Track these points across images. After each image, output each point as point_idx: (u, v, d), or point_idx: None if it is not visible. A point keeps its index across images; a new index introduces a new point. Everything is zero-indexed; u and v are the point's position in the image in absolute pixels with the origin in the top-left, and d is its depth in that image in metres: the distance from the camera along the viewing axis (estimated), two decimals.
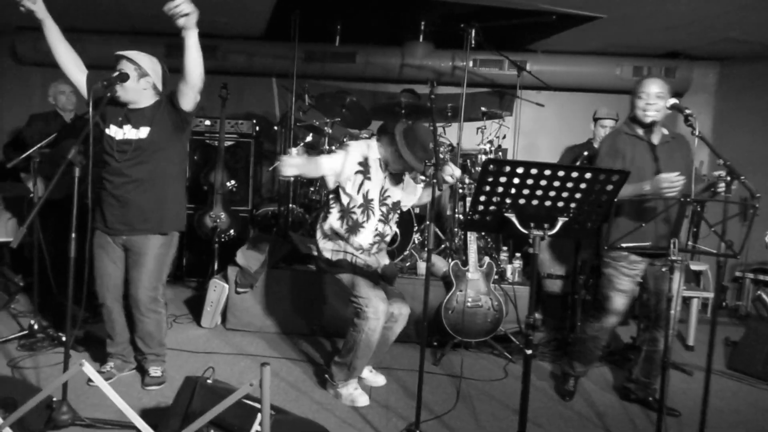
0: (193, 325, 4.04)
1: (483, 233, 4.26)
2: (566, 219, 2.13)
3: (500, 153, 5.08)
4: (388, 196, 3.06)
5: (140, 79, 2.79)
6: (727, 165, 2.40)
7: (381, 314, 2.87)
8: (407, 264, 4.23)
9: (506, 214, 2.12)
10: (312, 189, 4.73)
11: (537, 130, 5.99)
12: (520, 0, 4.28)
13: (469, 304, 3.72)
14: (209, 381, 2.21)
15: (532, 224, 2.13)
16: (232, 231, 4.79)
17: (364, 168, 2.94)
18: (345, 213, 2.96)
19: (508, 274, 4.12)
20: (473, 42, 4.59)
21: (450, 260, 3.97)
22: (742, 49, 5.30)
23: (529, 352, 2.15)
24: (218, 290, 3.98)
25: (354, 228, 2.97)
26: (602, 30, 4.91)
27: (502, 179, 2.03)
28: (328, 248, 3.02)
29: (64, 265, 3.69)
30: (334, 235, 3.00)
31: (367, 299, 2.86)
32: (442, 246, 4.49)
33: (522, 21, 4.55)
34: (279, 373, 3.26)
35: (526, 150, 5.84)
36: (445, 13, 4.78)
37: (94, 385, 2.63)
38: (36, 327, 3.39)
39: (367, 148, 2.99)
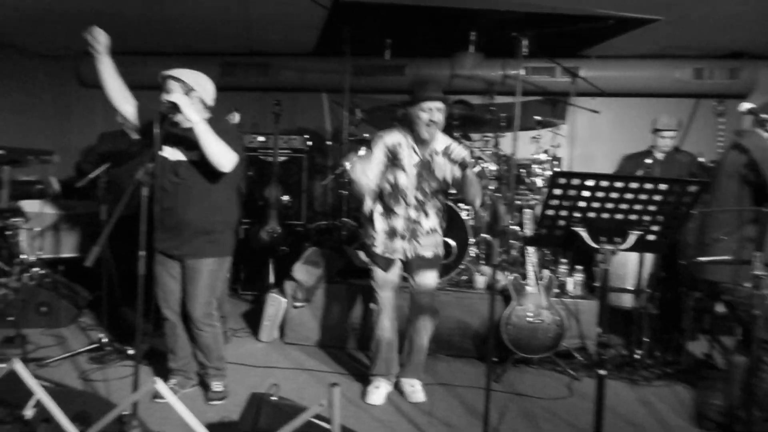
0: (251, 338, 4.09)
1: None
2: (640, 233, 2.04)
3: (555, 162, 4.96)
4: (425, 182, 3.05)
5: (188, 94, 2.80)
6: None
7: (384, 311, 3.12)
8: (463, 278, 4.17)
9: (575, 228, 2.05)
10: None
11: (592, 138, 5.83)
12: (574, 5, 4.18)
13: (529, 318, 3.62)
14: (274, 398, 2.22)
15: (602, 238, 2.05)
16: (286, 245, 4.85)
17: (393, 156, 3.04)
18: (382, 199, 3.12)
19: (569, 287, 4.00)
20: (525, 50, 4.52)
21: (508, 273, 3.89)
22: None
23: (603, 372, 2.06)
24: (275, 304, 4.02)
25: (387, 213, 3.10)
26: (659, 32, 4.74)
27: (571, 192, 1.96)
28: (371, 237, 3.15)
29: (130, 280, 3.81)
30: (371, 225, 3.14)
31: (376, 292, 3.13)
32: (499, 259, 4.40)
33: (577, 27, 4.44)
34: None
35: (582, 158, 5.69)
36: (496, 21, 4.72)
37: (161, 401, 2.74)
38: (105, 341, 3.50)
39: (401, 137, 3.08)
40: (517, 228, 4.40)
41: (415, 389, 3.19)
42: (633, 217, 2.02)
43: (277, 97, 5.14)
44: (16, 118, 5.91)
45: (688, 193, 1.96)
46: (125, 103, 2.82)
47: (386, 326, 3.17)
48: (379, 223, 3.13)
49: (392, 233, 3.10)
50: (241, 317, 4.58)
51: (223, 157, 2.68)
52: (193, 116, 2.62)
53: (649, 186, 1.94)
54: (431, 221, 3.13)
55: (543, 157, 4.55)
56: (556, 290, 3.79)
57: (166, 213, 2.86)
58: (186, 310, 2.97)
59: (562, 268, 4.22)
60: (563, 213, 2.02)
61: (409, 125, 3.05)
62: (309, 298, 3.97)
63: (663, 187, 1.94)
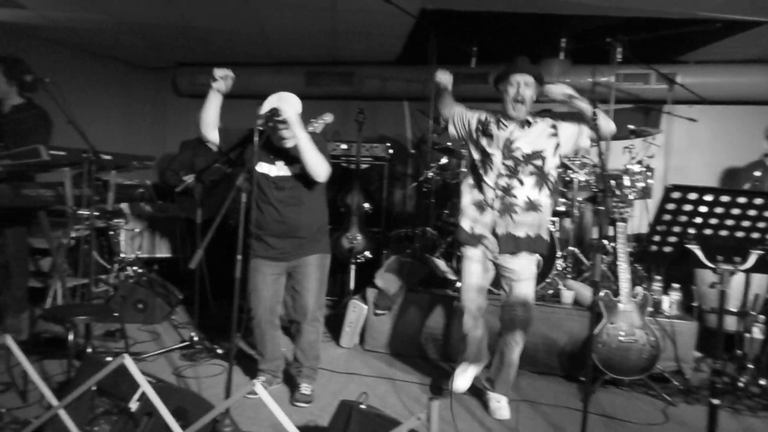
0: (332, 344, 4.13)
1: (633, 260, 3.94)
2: (762, 252, 1.88)
3: (649, 173, 4.71)
4: (517, 148, 2.91)
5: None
6: None
7: (469, 315, 3.05)
8: (549, 291, 4.02)
9: (688, 246, 1.91)
10: (446, 212, 4.69)
11: (689, 148, 5.49)
12: (675, 9, 3.96)
13: (621, 338, 3.43)
14: (363, 407, 2.21)
15: (719, 257, 1.91)
16: (367, 252, 4.88)
17: (483, 125, 3.00)
18: (468, 172, 3.09)
19: (665, 306, 3.77)
20: (618, 56, 4.33)
21: (597, 289, 3.71)
22: None
23: (717, 402, 1.91)
24: (357, 311, 4.05)
25: (476, 185, 3.02)
26: (766, 36, 4.41)
27: (686, 207, 1.84)
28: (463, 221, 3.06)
29: (219, 282, 3.95)
30: (462, 201, 3.07)
31: (461, 290, 3.06)
32: (586, 273, 4.23)
33: (678, 31, 4.21)
34: (420, 400, 3.21)
35: (677, 170, 5.37)
36: (588, 27, 4.56)
37: (252, 398, 2.82)
38: (196, 339, 3.64)
39: (485, 113, 3.06)
40: (606, 242, 4.22)
41: (501, 405, 3.10)
42: (755, 235, 1.86)
43: (360, 106, 5.20)
44: (117, 125, 6.32)
45: None
46: (213, 130, 3.00)
47: (470, 324, 3.08)
48: (467, 197, 3.05)
49: (481, 205, 2.98)
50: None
51: (321, 168, 2.84)
52: (300, 132, 2.76)
53: None
54: (526, 192, 2.91)
55: (636, 168, 4.33)
56: (651, 309, 3.58)
57: (271, 224, 3.00)
58: (297, 307, 3.12)
59: (657, 286, 3.98)
60: (676, 229, 1.89)
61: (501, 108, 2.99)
62: (390, 306, 3.96)
63: None
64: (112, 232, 4.32)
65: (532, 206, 2.92)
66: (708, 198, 1.81)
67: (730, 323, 3.68)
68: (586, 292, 3.84)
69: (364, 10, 4.41)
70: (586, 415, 2.33)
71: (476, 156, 3.03)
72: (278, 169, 2.99)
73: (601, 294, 3.54)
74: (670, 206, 1.85)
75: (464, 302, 3.06)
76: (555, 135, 2.96)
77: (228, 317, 3.73)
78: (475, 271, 3.02)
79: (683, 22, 4.14)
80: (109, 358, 2.30)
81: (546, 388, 3.52)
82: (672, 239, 1.94)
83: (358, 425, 2.14)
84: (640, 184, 4.43)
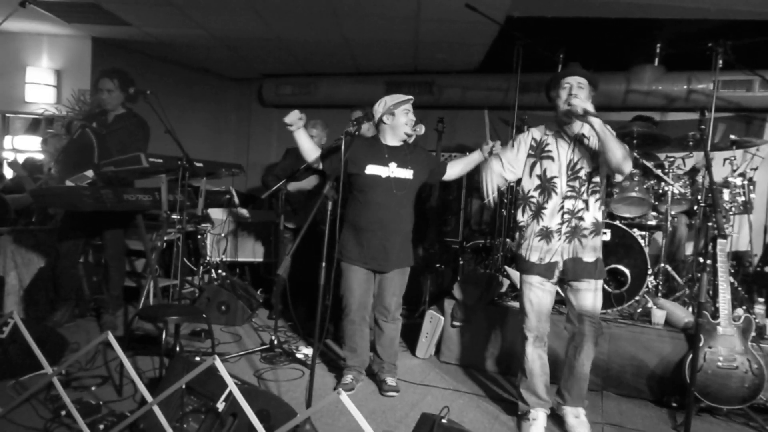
0: (407, 353, 4.10)
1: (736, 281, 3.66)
2: None
3: (750, 187, 4.38)
4: (580, 168, 2.75)
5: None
6: None
7: (531, 338, 2.88)
8: (639, 310, 3.81)
9: None
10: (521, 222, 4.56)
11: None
12: None
13: (720, 363, 3.18)
14: (445, 421, 2.17)
15: None
16: (444, 262, 4.83)
17: (539, 147, 2.82)
18: (524, 201, 2.87)
19: None
20: (720, 62, 4.06)
21: (692, 311, 3.48)
22: None
23: None
24: (434, 322, 4.00)
25: (537, 213, 2.81)
26: None
27: None
28: (523, 246, 2.88)
29: (301, 287, 4.03)
30: (522, 232, 2.89)
31: (523, 314, 2.89)
32: (678, 293, 3.97)
33: None
34: (498, 417, 3.12)
35: None
36: (684, 31, 4.32)
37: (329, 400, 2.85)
38: (276, 342, 3.73)
39: (536, 131, 2.89)
40: (702, 258, 3.95)
41: (581, 420, 2.92)
42: None
43: (439, 114, 5.17)
44: (206, 134, 6.65)
45: None
46: (314, 154, 3.22)
47: (532, 356, 2.91)
48: (529, 228, 2.85)
49: (545, 233, 2.79)
50: None
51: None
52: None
53: None
54: (593, 214, 2.78)
55: (737, 181, 4.04)
56: (754, 334, 3.29)
57: (373, 224, 3.13)
58: (378, 305, 3.29)
59: (760, 309, 3.67)
60: None
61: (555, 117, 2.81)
62: (468, 318, 3.89)
63: None
64: (200, 236, 4.51)
65: (596, 228, 2.80)
66: None
67: None
68: (679, 312, 3.60)
69: (447, 19, 4.39)
70: None
71: (533, 183, 2.83)
72: (391, 171, 3.12)
73: (698, 315, 3.30)
74: None
75: (528, 326, 2.91)
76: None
77: (307, 322, 3.82)
78: (544, 299, 2.87)
79: None
80: (197, 358, 2.39)
81: (633, 412, 3.32)
82: None
83: None
84: (741, 198, 4.13)
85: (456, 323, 3.92)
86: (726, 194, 4.10)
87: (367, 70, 6.14)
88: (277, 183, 3.90)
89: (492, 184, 2.81)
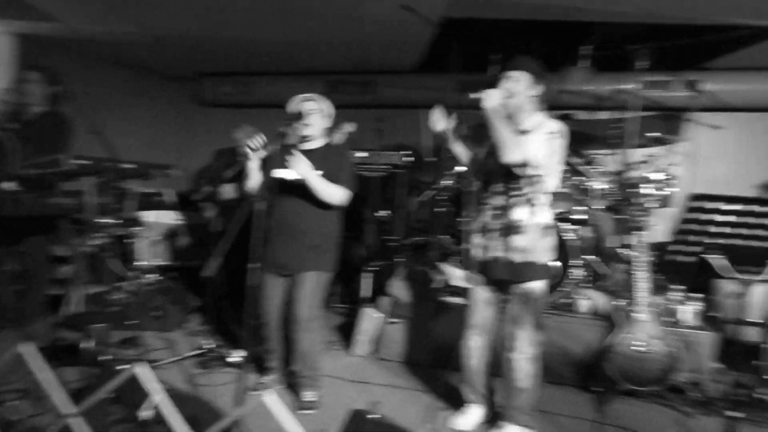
0: (345, 352, 4.13)
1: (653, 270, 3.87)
2: None
3: (670, 182, 4.62)
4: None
5: (324, 119, 3.09)
6: None
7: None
8: (564, 301, 3.97)
9: (706, 256, 1.88)
10: (461, 220, 4.67)
11: (714, 157, 5.38)
12: (704, 15, 3.88)
13: (638, 348, 3.37)
14: (375, 416, 2.20)
15: (737, 267, 1.86)
16: (383, 260, 4.88)
17: (481, 132, 2.87)
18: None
19: (683, 316, 3.68)
20: (641, 65, 4.27)
21: (612, 298, 3.65)
22: None
23: (734, 414, 1.86)
24: (371, 319, 4.05)
25: (481, 205, 2.87)
26: None
27: (703, 216, 1.80)
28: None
29: (234, 289, 3.99)
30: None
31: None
32: (602, 283, 4.16)
33: (704, 39, 4.14)
34: (431, 410, 3.19)
35: (701, 179, 5.26)
36: (612, 34, 4.51)
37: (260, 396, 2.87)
38: (209, 347, 3.68)
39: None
40: (624, 250, 4.15)
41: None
42: None
43: (378, 114, 5.23)
44: (143, 133, 6.45)
45: None
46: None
47: (471, 349, 3.00)
48: (476, 221, 2.88)
49: (484, 229, 2.82)
50: (335, 330, 4.64)
51: (332, 198, 2.92)
52: (307, 173, 2.82)
53: None
54: (521, 213, 2.71)
55: (657, 176, 4.26)
56: (669, 319, 3.50)
57: (277, 223, 3.03)
58: (290, 314, 3.12)
59: (675, 296, 3.90)
60: (693, 238, 1.86)
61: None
62: (404, 315, 3.95)
63: None
64: (131, 240, 4.39)
65: (527, 227, 2.71)
66: (724, 207, 1.77)
67: (752, 334, 3.58)
68: (602, 301, 3.78)
69: (385, 20, 4.43)
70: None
71: (478, 172, 2.92)
72: (294, 174, 2.98)
73: (617, 303, 3.48)
74: (686, 216, 1.82)
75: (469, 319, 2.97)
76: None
77: (242, 325, 3.76)
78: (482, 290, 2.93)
79: (711, 28, 4.06)
80: (126, 366, 2.34)
81: (561, 398, 3.47)
82: (692, 249, 1.90)
83: None
84: (661, 193, 4.36)
85: (393, 320, 3.97)
86: (646, 189, 4.31)
87: (307, 69, 6.13)
88: (208, 186, 3.84)
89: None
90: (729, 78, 5.11)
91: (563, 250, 3.92)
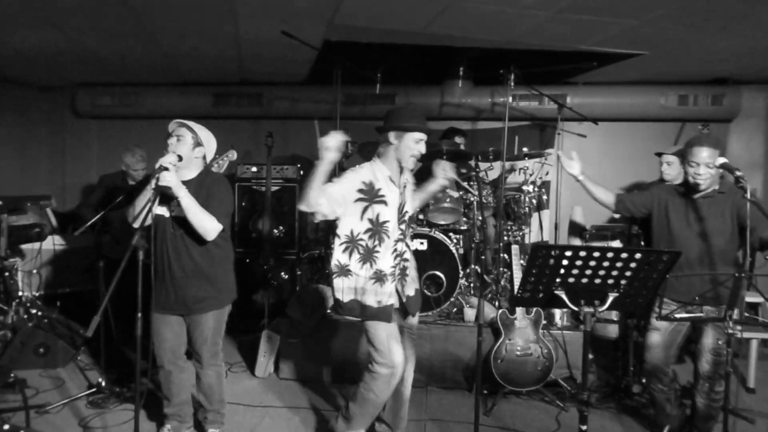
0: (247, 374, 4.16)
1: None
2: (617, 294, 2.14)
3: (543, 189, 5.07)
4: (406, 212, 2.89)
5: (195, 148, 2.88)
6: None
7: (397, 371, 2.74)
8: (454, 310, 4.26)
9: (556, 292, 2.15)
10: None
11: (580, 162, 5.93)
12: (560, 43, 4.29)
13: (518, 353, 3.72)
14: None
15: (582, 301, 2.15)
16: (281, 275, 4.93)
17: (369, 193, 2.74)
18: (351, 243, 2.75)
19: (557, 319, 4.09)
20: (512, 83, 4.62)
21: (497, 307, 3.98)
22: None
23: (584, 428, 2.16)
24: (270, 340, 4.10)
25: (367, 256, 2.75)
26: (645, 63, 4.86)
27: (551, 261, 2.06)
28: (340, 287, 2.80)
29: (126, 318, 3.87)
30: (345, 271, 2.77)
31: (382, 352, 2.73)
32: (489, 290, 4.50)
33: (562, 67, 4.57)
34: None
35: (570, 183, 5.77)
36: (484, 56, 4.83)
37: None
38: (103, 384, 3.56)
39: (371, 172, 2.78)
40: (505, 256, 4.51)
41: None
42: (610, 281, 2.11)
43: (270, 125, 5.23)
44: (12, 150, 5.97)
45: (662, 261, 2.06)
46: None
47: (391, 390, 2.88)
48: (362, 272, 2.77)
49: (380, 277, 2.77)
50: (236, 351, 4.62)
51: (205, 228, 2.76)
52: (180, 191, 2.68)
53: (624, 255, 2.03)
54: (409, 248, 2.97)
55: (530, 188, 4.67)
56: (544, 322, 3.88)
57: (166, 268, 2.89)
58: (192, 352, 3.04)
59: None
60: (544, 280, 2.11)
61: (386, 155, 2.80)
62: (303, 333, 4.05)
63: (638, 256, 2.04)
64: (7, 273, 4.10)
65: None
66: (568, 254, 2.04)
67: (613, 331, 4.07)
68: (486, 309, 4.09)
69: (267, 40, 4.44)
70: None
71: (362, 227, 2.75)
72: (171, 209, 2.85)
73: (499, 312, 3.81)
74: (538, 262, 2.07)
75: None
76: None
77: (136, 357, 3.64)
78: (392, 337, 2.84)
79: (567, 55, 4.49)
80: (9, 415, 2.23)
81: (452, 404, 3.74)
82: (541, 287, 2.16)
83: None
84: (535, 201, 4.79)
85: (292, 339, 4.06)
86: (522, 199, 4.72)
87: (193, 81, 5.96)
88: (92, 214, 3.68)
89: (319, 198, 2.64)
90: (590, 92, 5.65)
91: (452, 262, 4.20)
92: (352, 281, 2.78)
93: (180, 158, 2.79)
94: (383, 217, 2.76)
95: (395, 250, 2.80)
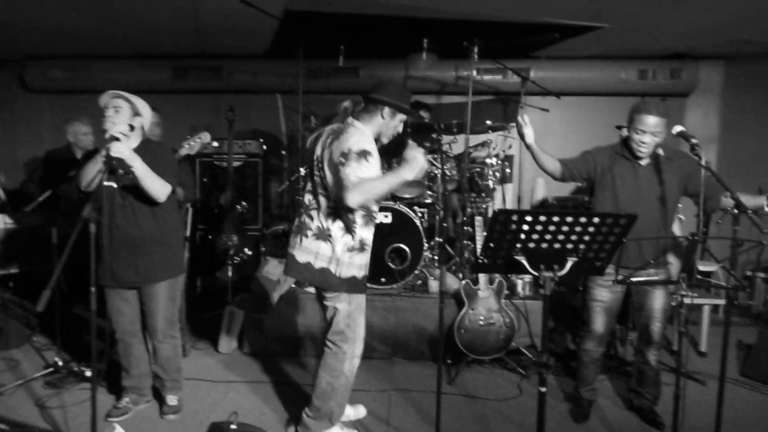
0: (210, 350, 4.11)
1: None
2: (576, 259, 2.17)
3: (506, 162, 5.11)
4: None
5: (134, 117, 2.86)
6: (734, 198, 2.41)
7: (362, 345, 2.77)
8: (418, 282, 4.28)
9: (516, 257, 2.16)
10: None
11: (543, 136, 5.87)
12: (523, 15, 4.28)
13: (481, 322, 3.77)
14: (233, 426, 2.28)
15: (542, 266, 2.17)
16: (244, 251, 4.86)
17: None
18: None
19: (519, 288, 4.16)
20: (476, 56, 4.61)
21: (461, 278, 4.02)
22: (748, 48, 5.27)
23: (543, 389, 2.21)
24: (234, 315, 4.05)
25: (347, 227, 2.63)
26: (606, 37, 4.90)
27: (512, 226, 2.07)
28: (355, 263, 2.65)
29: (81, 290, 3.77)
30: (362, 245, 2.65)
31: (356, 336, 2.72)
32: (452, 262, 4.54)
33: (524, 40, 4.56)
34: (298, 401, 3.33)
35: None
36: (446, 29, 4.78)
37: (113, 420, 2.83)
38: (60, 363, 3.47)
39: (370, 139, 2.63)
40: (469, 229, 4.54)
41: (354, 407, 3.13)
42: (569, 246, 2.14)
43: (231, 100, 5.10)
44: None
45: (619, 225, 2.10)
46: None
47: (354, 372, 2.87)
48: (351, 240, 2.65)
49: (362, 246, 2.70)
50: (200, 328, 4.54)
51: (158, 192, 2.78)
52: (135, 161, 2.66)
53: (583, 219, 2.06)
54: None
55: (494, 161, 4.69)
56: (507, 292, 3.93)
57: (117, 238, 2.87)
58: (146, 326, 3.06)
59: None
60: (505, 245, 2.13)
61: (370, 122, 2.67)
62: (267, 308, 4.01)
63: (596, 220, 2.06)
64: None
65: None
66: (528, 219, 2.05)
67: (575, 298, 4.17)
68: (450, 280, 4.13)
69: (226, 11, 4.30)
70: (439, 399, 2.55)
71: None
72: (118, 179, 2.83)
73: (463, 283, 3.84)
74: (498, 227, 2.08)
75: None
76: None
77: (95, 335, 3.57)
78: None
79: (528, 27, 4.48)
80: None
81: (417, 374, 3.78)
82: (502, 253, 2.17)
83: None
84: (499, 174, 4.81)
85: (256, 315, 4.02)
86: (486, 172, 4.74)
87: (151, 53, 5.74)
88: (37, 191, 3.54)
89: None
90: (553, 66, 5.68)
91: (416, 235, 4.20)
92: (362, 256, 2.67)
93: (132, 128, 2.76)
94: None
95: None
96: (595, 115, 5.93)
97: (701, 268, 4.72)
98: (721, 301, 4.54)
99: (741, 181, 3.60)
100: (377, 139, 2.70)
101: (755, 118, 5.65)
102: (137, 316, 3.05)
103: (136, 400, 3.13)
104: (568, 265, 2.17)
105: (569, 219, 2.05)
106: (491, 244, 2.13)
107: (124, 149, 2.62)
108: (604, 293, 3.05)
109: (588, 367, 3.21)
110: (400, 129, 2.80)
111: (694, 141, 2.54)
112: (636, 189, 2.95)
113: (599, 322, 3.09)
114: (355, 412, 3.14)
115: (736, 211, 2.44)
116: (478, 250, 4.00)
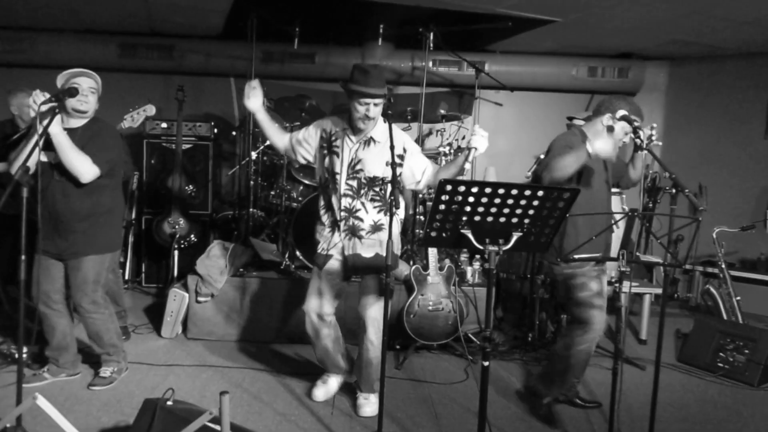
0: (153, 335, 3.98)
1: None
2: (520, 234, 2.19)
3: (459, 153, 5.14)
4: (360, 170, 2.80)
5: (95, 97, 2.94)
6: (672, 178, 2.49)
7: (311, 317, 3.01)
8: None
9: (462, 231, 2.16)
10: (273, 192, 4.70)
11: (496, 130, 6.06)
12: (477, 4, 4.32)
13: (430, 308, 3.78)
14: (169, 403, 2.19)
15: (487, 240, 2.18)
16: (191, 237, 4.73)
17: (327, 141, 2.84)
18: (321, 190, 2.95)
19: (468, 276, 4.19)
20: (431, 44, 4.63)
21: (411, 264, 4.02)
22: (690, 49, 5.49)
23: (486, 363, 2.22)
24: (178, 299, 3.93)
25: (326, 205, 2.90)
26: (558, 32, 5.01)
27: (458, 198, 2.06)
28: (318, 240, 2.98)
29: (12, 279, 3.60)
30: (320, 222, 2.95)
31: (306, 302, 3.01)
32: (404, 249, 4.53)
33: (479, 27, 4.60)
34: (241, 384, 3.25)
35: (487, 152, 5.91)
36: (404, 16, 4.79)
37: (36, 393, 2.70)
38: None
39: (330, 122, 2.88)
40: (420, 218, 4.56)
41: (367, 401, 3.01)
42: (514, 220, 2.16)
43: (182, 81, 4.94)
44: None
45: (563, 199, 2.13)
46: (281, 140, 3.01)
47: (310, 331, 3.06)
48: (325, 217, 2.91)
49: (330, 225, 2.90)
50: (143, 312, 4.44)
51: (77, 169, 2.77)
52: (53, 128, 2.65)
53: (527, 192, 2.08)
54: (372, 215, 2.85)
55: (447, 149, 4.71)
56: (456, 279, 3.96)
57: (47, 210, 2.89)
58: (73, 301, 3.08)
59: (463, 257, 4.42)
60: (451, 217, 2.12)
61: (349, 110, 2.76)
62: (213, 293, 3.91)
63: (540, 193, 2.08)
64: None
65: (376, 227, 2.87)
66: (474, 190, 2.05)
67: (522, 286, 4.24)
68: (401, 267, 4.12)
69: None
70: (382, 381, 2.53)
71: (324, 175, 2.90)
72: (53, 156, 2.81)
73: (413, 268, 3.84)
74: (444, 197, 2.07)
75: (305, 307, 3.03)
76: (400, 164, 2.78)
77: (25, 317, 3.41)
78: (316, 283, 2.99)
79: (482, 16, 4.53)
80: None
81: None
82: (448, 225, 2.17)
83: (162, 422, 2.13)
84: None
85: (201, 299, 3.91)
86: (442, 161, 4.76)
87: (96, 28, 5.51)
88: None
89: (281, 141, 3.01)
90: (507, 60, 5.77)
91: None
92: (321, 232, 2.95)
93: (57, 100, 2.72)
94: (335, 168, 2.83)
95: (342, 204, 2.83)
96: (546, 111, 6.06)
97: (643, 258, 4.88)
98: (660, 290, 4.68)
99: (683, 177, 3.72)
100: (354, 126, 2.78)
101: (697, 117, 5.89)
102: (56, 289, 3.03)
103: (55, 371, 3.13)
104: (513, 239, 2.19)
105: (514, 192, 2.06)
106: (438, 216, 2.12)
107: (54, 125, 2.64)
108: (595, 285, 2.87)
109: (577, 367, 2.98)
110: (370, 112, 2.69)
111: (636, 123, 2.62)
112: (604, 180, 2.98)
113: (600, 316, 2.88)
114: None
115: (674, 190, 2.51)
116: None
